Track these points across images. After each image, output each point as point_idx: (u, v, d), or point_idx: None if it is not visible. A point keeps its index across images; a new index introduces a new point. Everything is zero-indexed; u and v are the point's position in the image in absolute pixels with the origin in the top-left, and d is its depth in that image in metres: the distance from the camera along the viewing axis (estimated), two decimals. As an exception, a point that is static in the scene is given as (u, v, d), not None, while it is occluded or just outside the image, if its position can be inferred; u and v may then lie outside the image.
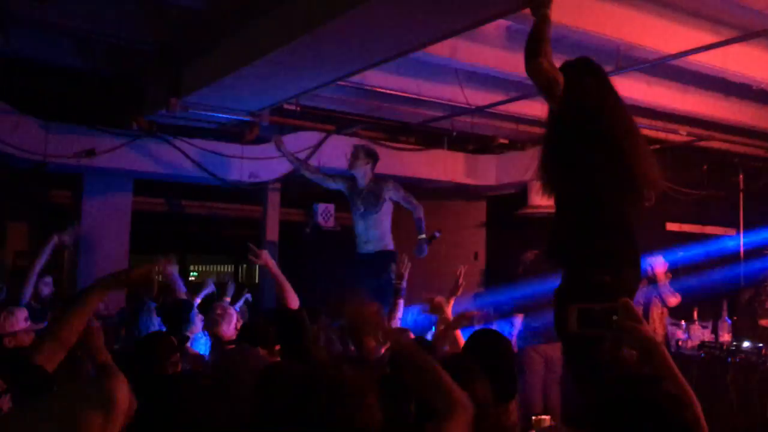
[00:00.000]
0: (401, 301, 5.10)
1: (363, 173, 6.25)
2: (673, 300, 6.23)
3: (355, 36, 4.37)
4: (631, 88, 6.02)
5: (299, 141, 7.31)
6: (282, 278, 4.08)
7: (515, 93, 6.29)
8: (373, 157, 6.30)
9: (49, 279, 5.85)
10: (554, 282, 3.26)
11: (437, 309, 3.96)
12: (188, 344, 4.57)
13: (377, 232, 6.20)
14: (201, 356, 4.56)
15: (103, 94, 6.74)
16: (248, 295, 6.76)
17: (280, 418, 1.88)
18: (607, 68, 5.05)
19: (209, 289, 6.00)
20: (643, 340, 2.03)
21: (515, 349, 5.25)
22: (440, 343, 3.75)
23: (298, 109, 6.59)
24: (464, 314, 3.87)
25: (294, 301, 4.00)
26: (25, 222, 9.54)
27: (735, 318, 6.54)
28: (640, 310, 5.63)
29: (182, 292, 5.28)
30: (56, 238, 5.30)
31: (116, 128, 6.79)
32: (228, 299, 5.72)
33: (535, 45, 3.23)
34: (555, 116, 3.25)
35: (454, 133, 7.60)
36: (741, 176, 8.25)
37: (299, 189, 8.04)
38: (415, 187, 8.80)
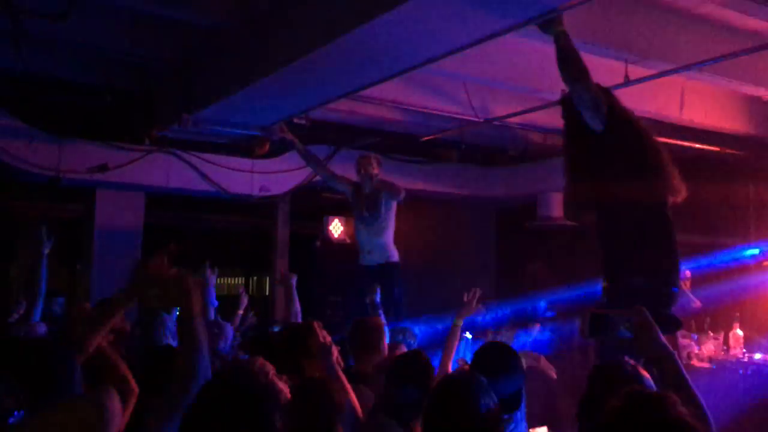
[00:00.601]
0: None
1: (373, 180, 6.05)
2: (698, 303, 6.23)
3: (365, 52, 4.40)
4: (637, 97, 6.04)
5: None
6: (295, 298, 4.11)
7: (524, 105, 6.30)
8: (380, 163, 6.18)
9: (61, 299, 5.83)
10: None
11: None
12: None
13: (380, 240, 6.01)
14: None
15: (116, 110, 6.81)
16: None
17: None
18: (616, 80, 5.11)
19: (245, 300, 5.91)
20: (656, 348, 2.01)
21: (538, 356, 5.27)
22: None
23: (308, 123, 6.62)
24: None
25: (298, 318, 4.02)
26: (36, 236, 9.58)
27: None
28: None
29: (213, 306, 5.28)
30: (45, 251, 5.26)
31: (129, 143, 6.86)
32: (241, 312, 5.72)
33: (576, 65, 3.28)
34: (600, 134, 3.29)
35: (464, 146, 7.61)
36: (751, 186, 8.21)
37: (309, 202, 8.07)
38: (424, 200, 8.86)
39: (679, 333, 6.32)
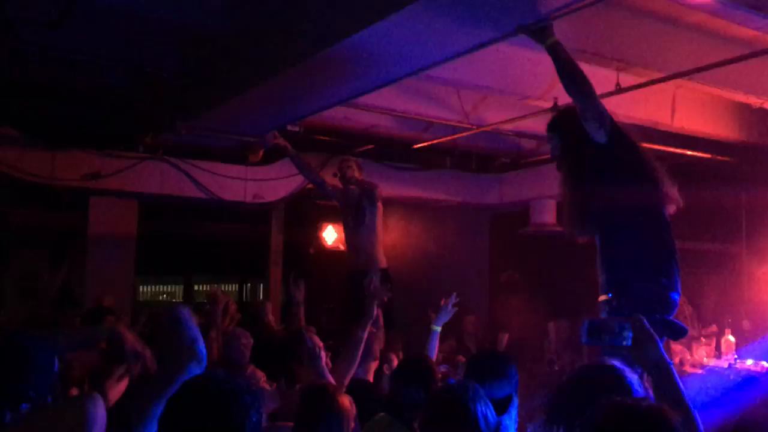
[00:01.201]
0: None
1: (356, 185, 6.01)
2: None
3: (358, 62, 4.42)
4: (628, 105, 6.08)
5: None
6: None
7: (518, 113, 6.33)
8: (361, 168, 6.15)
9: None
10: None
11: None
12: None
13: (365, 246, 5.99)
14: None
15: (109, 117, 6.81)
16: None
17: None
18: (607, 88, 5.14)
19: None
20: (654, 357, 2.01)
21: None
22: None
23: (302, 130, 6.63)
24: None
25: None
26: (31, 245, 9.56)
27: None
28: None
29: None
30: None
31: (122, 150, 6.86)
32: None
33: (581, 79, 3.29)
34: (603, 145, 3.32)
35: (457, 153, 7.64)
36: (742, 193, 8.25)
37: (303, 209, 8.08)
38: (418, 206, 8.88)
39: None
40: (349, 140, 7.47)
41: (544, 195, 8.06)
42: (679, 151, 7.03)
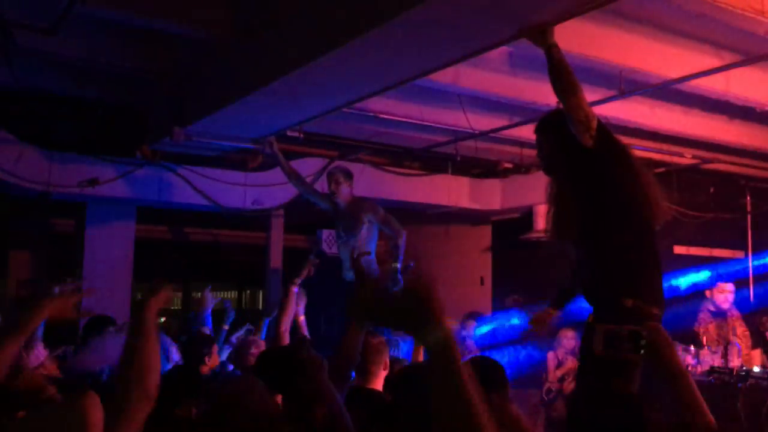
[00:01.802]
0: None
1: (344, 196, 5.94)
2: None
3: (357, 66, 4.37)
4: (634, 111, 6.02)
5: (303, 167, 7.29)
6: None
7: (519, 117, 6.28)
8: (351, 178, 6.02)
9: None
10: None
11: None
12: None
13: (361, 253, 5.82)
14: None
15: (107, 123, 6.76)
16: (249, 326, 6.63)
17: None
18: (610, 92, 5.08)
19: (231, 314, 5.86)
20: (670, 365, 1.97)
21: None
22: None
23: (302, 135, 6.58)
24: None
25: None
26: (27, 251, 9.53)
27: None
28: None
29: (209, 327, 5.26)
30: None
31: (119, 157, 6.80)
32: (226, 327, 5.65)
33: (568, 79, 3.25)
34: (589, 150, 3.25)
35: (458, 158, 7.58)
36: (748, 198, 8.20)
37: (303, 216, 8.02)
38: (419, 212, 8.82)
39: (679, 346, 6.29)
40: (349, 145, 7.41)
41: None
42: (683, 155, 6.98)
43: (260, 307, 10.07)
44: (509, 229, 9.06)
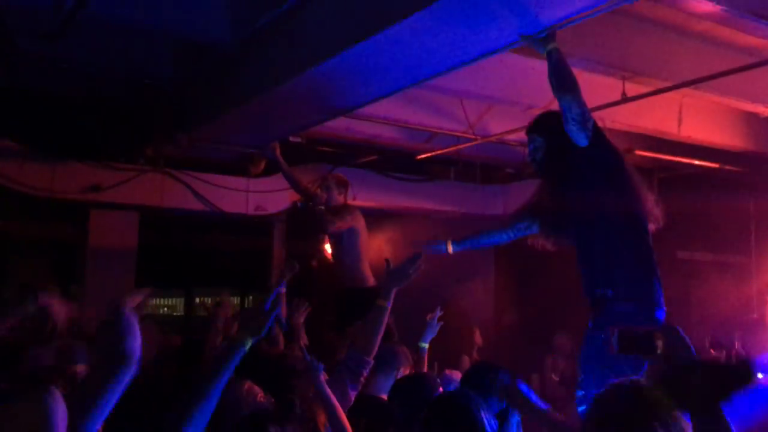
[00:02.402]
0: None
1: (334, 203, 5.88)
2: None
3: (361, 70, 4.37)
4: (635, 114, 6.01)
5: (305, 173, 7.29)
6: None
7: (522, 123, 6.26)
8: (345, 187, 6.00)
9: None
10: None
11: None
12: None
13: (348, 264, 5.90)
14: None
15: (110, 129, 6.76)
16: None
17: None
18: (613, 97, 5.07)
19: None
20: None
21: None
22: None
23: (304, 141, 6.58)
24: None
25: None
26: (30, 257, 9.51)
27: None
28: None
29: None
30: None
31: (122, 162, 6.80)
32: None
33: (567, 76, 3.27)
34: (584, 149, 3.25)
35: (460, 164, 7.58)
36: (752, 203, 8.17)
37: (305, 221, 8.00)
38: (422, 218, 8.80)
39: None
40: (351, 151, 7.41)
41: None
42: (686, 160, 6.96)
43: (262, 312, 10.03)
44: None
